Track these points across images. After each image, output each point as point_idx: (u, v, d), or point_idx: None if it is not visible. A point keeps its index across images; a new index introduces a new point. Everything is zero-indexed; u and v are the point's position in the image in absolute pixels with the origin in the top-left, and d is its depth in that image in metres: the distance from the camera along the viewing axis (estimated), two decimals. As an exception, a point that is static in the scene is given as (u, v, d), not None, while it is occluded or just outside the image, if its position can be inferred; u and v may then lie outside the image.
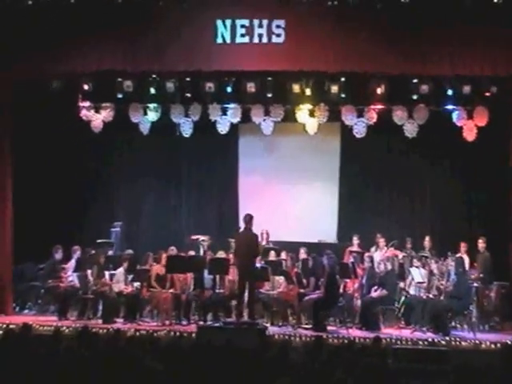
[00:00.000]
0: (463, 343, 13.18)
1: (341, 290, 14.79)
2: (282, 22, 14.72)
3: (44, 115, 17.10)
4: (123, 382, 5.65)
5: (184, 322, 14.75)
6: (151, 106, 16.93)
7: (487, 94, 15.41)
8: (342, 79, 15.57)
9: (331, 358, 7.62)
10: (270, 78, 15.69)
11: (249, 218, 13.99)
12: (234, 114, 16.83)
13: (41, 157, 17.68)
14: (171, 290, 14.86)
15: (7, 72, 15.29)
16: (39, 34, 14.94)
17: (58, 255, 15.67)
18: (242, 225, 14.41)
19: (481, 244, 15.49)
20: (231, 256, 14.88)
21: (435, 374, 11.31)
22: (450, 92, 15.63)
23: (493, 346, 12.95)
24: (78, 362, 6.77)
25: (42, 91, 16.10)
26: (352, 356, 8.00)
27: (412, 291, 14.86)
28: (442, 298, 14.10)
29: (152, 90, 16.23)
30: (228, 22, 14.80)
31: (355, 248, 16.38)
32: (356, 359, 7.27)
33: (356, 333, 13.89)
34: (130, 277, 15.28)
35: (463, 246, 15.53)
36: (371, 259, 15.10)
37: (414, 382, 10.13)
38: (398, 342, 13.00)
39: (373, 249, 16.31)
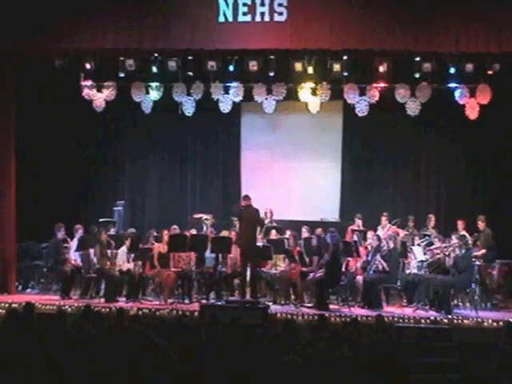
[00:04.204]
0: (465, 321, 13.17)
1: (343, 269, 14.82)
2: (283, 0, 14.62)
3: (47, 93, 17.14)
4: (129, 358, 5.68)
5: (186, 301, 14.75)
6: (153, 84, 16.87)
7: (490, 71, 15.33)
8: (345, 57, 15.51)
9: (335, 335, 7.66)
10: (272, 57, 15.59)
11: (248, 198, 14.40)
12: (236, 93, 16.80)
13: (44, 135, 17.73)
14: (174, 269, 14.88)
15: (10, 49, 15.23)
16: (42, 11, 14.88)
17: (61, 233, 15.64)
18: (242, 203, 14.62)
19: (480, 223, 15.44)
20: (234, 234, 14.96)
21: (439, 352, 11.39)
22: (452, 70, 15.57)
23: (495, 324, 12.95)
24: (83, 341, 6.78)
25: (45, 69, 16.11)
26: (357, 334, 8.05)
27: (414, 269, 14.87)
28: (444, 276, 14.10)
29: (154, 69, 16.16)
30: (230, 1, 14.70)
31: (357, 227, 16.40)
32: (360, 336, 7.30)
33: (358, 311, 13.90)
34: (133, 255, 15.30)
35: (460, 224, 15.51)
36: (378, 238, 15.04)
37: (419, 360, 10.21)
38: (401, 321, 13.03)
39: (379, 227, 16.28)
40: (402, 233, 15.99)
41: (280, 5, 14.62)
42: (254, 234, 14.28)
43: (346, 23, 14.48)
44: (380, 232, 15.92)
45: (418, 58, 15.33)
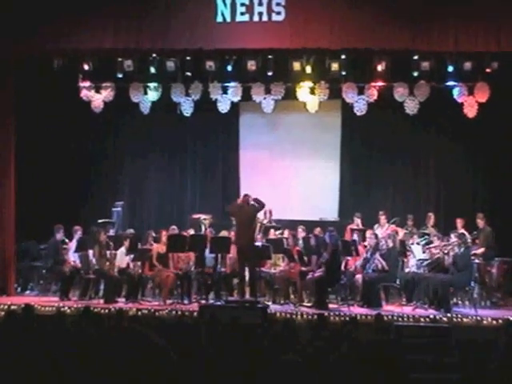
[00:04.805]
0: (465, 320, 13.13)
1: (342, 268, 14.82)
2: (281, 0, 14.65)
3: (47, 93, 17.16)
4: (129, 358, 5.68)
5: (186, 301, 14.73)
6: (151, 85, 16.87)
7: (488, 70, 15.31)
8: (343, 56, 15.50)
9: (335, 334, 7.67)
10: (270, 56, 15.57)
11: (247, 198, 14.41)
12: (234, 93, 16.81)
13: (44, 135, 17.73)
14: (173, 269, 14.86)
15: (10, 49, 15.21)
16: (42, 11, 14.87)
17: (60, 234, 15.61)
18: (239, 201, 14.69)
19: (479, 221, 15.46)
20: (233, 234, 14.95)
21: (439, 350, 11.38)
22: (450, 68, 15.55)
23: (494, 322, 12.92)
24: (82, 341, 6.78)
25: (45, 70, 16.11)
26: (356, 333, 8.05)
27: (414, 268, 14.86)
28: (443, 274, 14.09)
29: (152, 70, 16.13)
30: (228, 1, 14.71)
31: (356, 226, 16.38)
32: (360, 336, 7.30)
33: (357, 310, 13.87)
34: (132, 256, 15.29)
35: (459, 222, 15.51)
36: (376, 236, 15.04)
37: (419, 359, 10.20)
38: (400, 319, 13.01)
39: (376, 226, 16.27)
40: (401, 232, 15.97)
41: (278, 4, 14.62)
42: (250, 232, 14.26)
43: (344, 22, 14.47)
44: (378, 230, 15.91)
45: (416, 57, 15.32)
